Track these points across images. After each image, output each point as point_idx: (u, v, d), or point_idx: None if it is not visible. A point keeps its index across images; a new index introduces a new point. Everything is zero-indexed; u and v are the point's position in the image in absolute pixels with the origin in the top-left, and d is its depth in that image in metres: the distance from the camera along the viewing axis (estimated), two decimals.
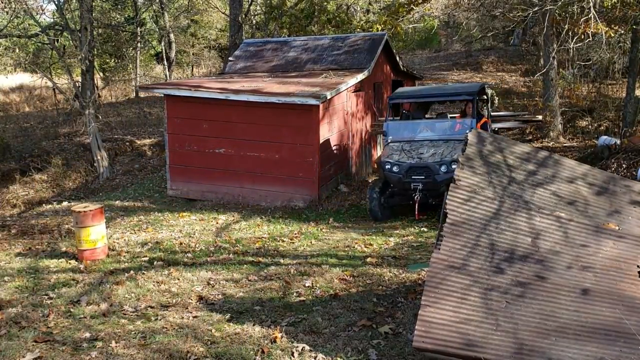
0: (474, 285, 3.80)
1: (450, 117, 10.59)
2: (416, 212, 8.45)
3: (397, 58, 14.49)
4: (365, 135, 12.93)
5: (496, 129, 10.42)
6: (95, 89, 17.31)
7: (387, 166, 8.71)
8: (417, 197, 8.34)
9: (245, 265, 6.77)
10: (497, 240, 3.97)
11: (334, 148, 10.96)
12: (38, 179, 14.52)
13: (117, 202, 11.08)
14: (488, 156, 4.34)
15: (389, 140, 9.16)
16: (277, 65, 13.15)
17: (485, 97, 10.45)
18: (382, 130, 9.67)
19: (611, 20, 11.83)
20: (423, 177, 8.38)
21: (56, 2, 14.94)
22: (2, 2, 14.89)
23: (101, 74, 25.26)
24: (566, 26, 10.88)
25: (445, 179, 8.19)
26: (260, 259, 7.05)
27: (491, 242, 3.96)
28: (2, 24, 17.01)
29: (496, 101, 11.95)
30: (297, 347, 4.47)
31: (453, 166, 7.88)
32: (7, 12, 15.71)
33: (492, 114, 11.03)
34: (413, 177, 8.46)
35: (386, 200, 9.13)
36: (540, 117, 12.19)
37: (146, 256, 7.20)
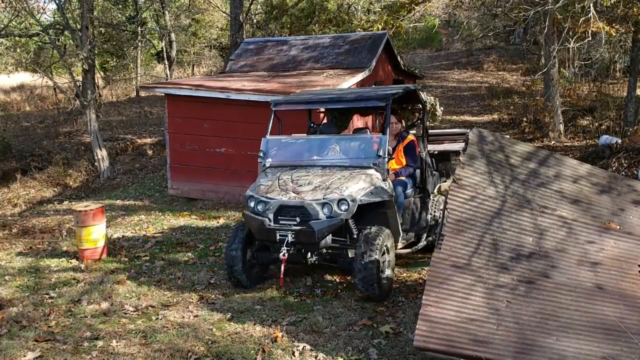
0: (477, 284, 3.79)
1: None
2: (281, 275, 5.49)
3: (398, 57, 14.48)
4: None
5: (435, 152, 7.31)
6: (96, 88, 17.31)
7: (250, 203, 5.80)
8: (283, 253, 5.38)
9: None
10: (500, 239, 3.96)
11: None
12: (39, 178, 14.52)
13: (118, 202, 11.08)
14: (489, 155, 4.34)
15: (266, 164, 6.22)
16: (278, 64, 13.14)
17: (416, 106, 7.34)
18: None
19: (612, 20, 11.83)
20: (295, 222, 5.47)
21: (57, 2, 14.93)
22: (3, 2, 14.89)
23: (102, 73, 25.26)
24: (567, 25, 10.87)
25: (326, 228, 5.34)
26: None
27: (494, 240, 3.96)
28: (3, 23, 17.00)
29: (439, 113, 8.37)
30: (297, 346, 4.47)
31: (343, 207, 5.34)
32: (8, 12, 15.72)
33: (433, 131, 8.44)
34: (282, 221, 5.54)
35: (257, 256, 5.98)
36: None
37: (147, 255, 7.20)
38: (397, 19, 15.08)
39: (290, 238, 5.42)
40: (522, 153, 4.44)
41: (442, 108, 8.86)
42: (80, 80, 15.28)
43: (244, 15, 17.47)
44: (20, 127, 19.97)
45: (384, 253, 5.40)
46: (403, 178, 6.31)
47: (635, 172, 9.06)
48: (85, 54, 14.13)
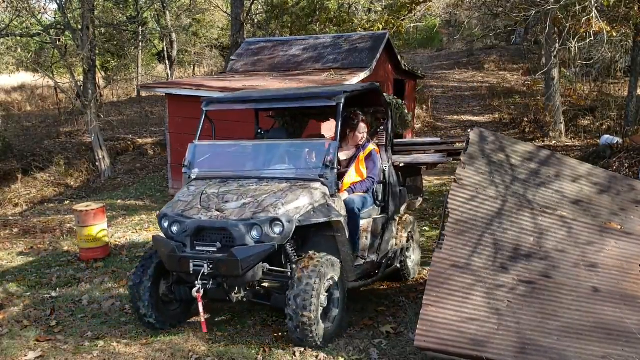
0: (477, 284, 3.79)
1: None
2: (201, 318, 4.36)
3: (399, 57, 14.47)
4: None
5: (400, 164, 6.05)
6: (97, 88, 17.32)
7: (163, 223, 4.62)
8: (198, 289, 4.28)
9: None
10: (500, 239, 3.96)
11: None
12: (40, 178, 14.54)
13: (119, 201, 11.09)
14: (490, 155, 4.34)
15: (191, 176, 5.09)
16: (279, 64, 13.14)
17: (378, 109, 5.85)
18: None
19: (613, 20, 11.82)
20: (215, 248, 4.33)
21: (58, 2, 14.94)
22: (4, 2, 14.90)
23: (103, 73, 25.28)
24: (568, 25, 10.86)
25: (254, 256, 4.21)
26: None
27: (494, 241, 3.96)
28: (4, 23, 17.02)
29: (408, 118, 7.12)
30: (298, 346, 4.46)
31: (276, 230, 4.25)
32: (9, 12, 15.73)
33: (400, 140, 7.04)
34: (199, 247, 4.40)
35: (174, 290, 4.81)
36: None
37: None
38: (398, 18, 15.07)
39: (207, 269, 4.23)
40: (523, 153, 4.44)
41: (410, 113, 7.64)
42: (81, 80, 15.29)
43: (245, 15, 17.48)
44: (21, 127, 19.99)
45: (329, 289, 4.40)
46: (359, 194, 5.13)
47: (636, 171, 9.06)
48: (86, 54, 14.14)
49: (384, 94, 5.78)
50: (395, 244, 5.60)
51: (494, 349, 3.55)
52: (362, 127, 5.35)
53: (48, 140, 17.74)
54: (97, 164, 14.67)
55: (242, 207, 4.43)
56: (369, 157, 5.35)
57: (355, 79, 11.37)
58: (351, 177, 5.20)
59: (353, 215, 4.88)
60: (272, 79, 11.72)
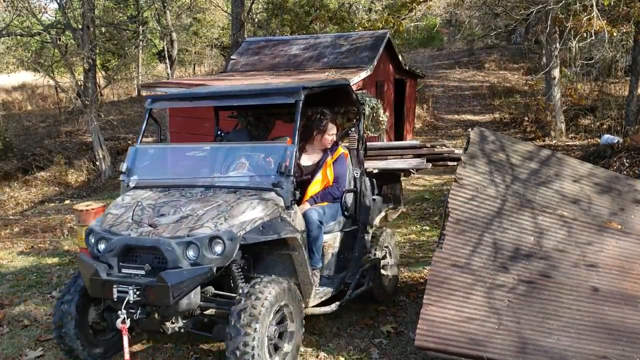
0: (477, 283, 3.79)
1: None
2: (125, 355, 3.67)
3: (400, 57, 14.48)
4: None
5: (374, 170, 5.51)
6: (97, 87, 17.33)
7: (90, 239, 3.92)
8: (123, 319, 3.56)
9: None
10: (501, 239, 3.96)
11: None
12: (40, 177, 14.56)
13: None
14: (490, 154, 4.34)
15: (130, 184, 4.39)
16: (279, 63, 13.14)
17: (350, 108, 5.28)
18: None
19: (614, 19, 11.82)
20: (143, 271, 3.62)
21: (58, 1, 14.95)
22: (5, 1, 14.91)
23: (103, 72, 25.28)
24: (569, 24, 10.86)
25: (189, 281, 3.49)
26: None
27: (494, 240, 3.95)
28: (4, 22, 17.03)
29: (383, 118, 6.34)
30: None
31: (217, 249, 3.57)
32: (10, 11, 15.74)
33: (375, 144, 6.48)
34: (126, 269, 3.69)
35: (106, 317, 4.00)
36: (458, 153, 5.88)
37: None
38: (398, 18, 15.07)
39: (132, 296, 3.51)
40: (523, 152, 4.43)
41: (386, 113, 6.77)
42: (82, 79, 15.30)
43: (245, 14, 17.49)
44: (21, 126, 20.00)
45: (282, 320, 3.76)
46: (322, 205, 4.51)
47: (636, 171, 9.05)
48: (86, 53, 14.15)
49: (361, 92, 5.22)
50: (366, 260, 4.92)
51: (494, 349, 3.55)
52: (331, 128, 4.74)
53: (48, 139, 17.76)
54: (97, 163, 14.68)
55: (178, 221, 3.71)
56: (337, 161, 4.72)
57: (356, 79, 11.37)
58: (317, 185, 4.60)
59: (315, 229, 4.27)
60: (272, 78, 11.72)
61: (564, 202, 4.15)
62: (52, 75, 17.05)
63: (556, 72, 14.68)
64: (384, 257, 5.27)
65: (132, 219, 3.87)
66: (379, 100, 6.66)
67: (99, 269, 3.65)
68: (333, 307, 4.46)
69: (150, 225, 3.75)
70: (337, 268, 4.66)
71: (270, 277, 3.74)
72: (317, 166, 4.69)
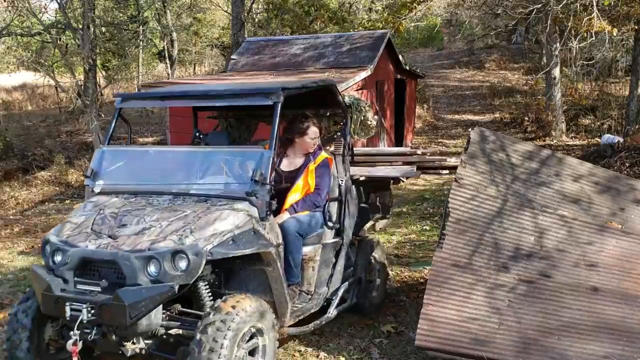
0: (478, 283, 3.79)
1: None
2: None
3: (400, 56, 14.48)
4: None
5: (360, 177, 5.00)
6: (98, 87, 17.34)
7: (45, 250, 3.57)
8: (75, 341, 3.23)
9: None
10: (501, 239, 3.96)
11: None
12: (40, 177, 14.55)
13: None
14: (491, 154, 4.33)
15: (95, 189, 4.03)
16: (279, 63, 13.15)
17: (336, 111, 4.96)
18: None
19: (614, 19, 11.81)
20: (99, 288, 3.31)
21: (58, 1, 14.94)
22: (5, 1, 14.91)
23: (103, 72, 25.27)
24: (569, 24, 10.86)
25: (148, 300, 3.16)
26: None
27: (495, 240, 3.95)
28: (5, 22, 17.03)
29: (372, 122, 5.52)
30: (299, 346, 4.47)
31: (180, 265, 3.23)
32: (10, 11, 15.74)
33: (362, 150, 6.25)
34: (81, 285, 3.37)
35: (64, 335, 3.56)
36: (455, 162, 5.36)
37: None
38: (398, 18, 15.08)
39: (86, 315, 3.18)
40: (524, 152, 4.43)
41: (376, 117, 6.32)
42: (82, 79, 15.31)
43: (246, 14, 17.49)
44: (21, 126, 20.00)
45: (253, 336, 3.45)
46: (303, 214, 4.17)
47: (637, 171, 9.05)
48: (86, 53, 14.15)
49: (348, 95, 4.97)
50: (351, 275, 4.68)
51: (495, 348, 3.55)
52: (313, 131, 4.41)
53: (49, 139, 17.74)
54: None
55: (140, 233, 3.39)
56: (319, 167, 4.37)
57: (356, 78, 11.38)
58: (297, 192, 4.27)
59: (293, 241, 3.97)
60: (272, 78, 11.73)
61: (564, 202, 4.15)
62: (52, 75, 17.05)
63: (556, 72, 14.68)
64: (372, 271, 5.04)
65: (91, 228, 3.55)
66: (368, 102, 6.22)
67: (52, 284, 3.31)
68: (311, 326, 4.17)
69: (110, 237, 3.43)
70: (318, 283, 4.31)
71: (240, 296, 3.41)
72: (299, 172, 4.35)
